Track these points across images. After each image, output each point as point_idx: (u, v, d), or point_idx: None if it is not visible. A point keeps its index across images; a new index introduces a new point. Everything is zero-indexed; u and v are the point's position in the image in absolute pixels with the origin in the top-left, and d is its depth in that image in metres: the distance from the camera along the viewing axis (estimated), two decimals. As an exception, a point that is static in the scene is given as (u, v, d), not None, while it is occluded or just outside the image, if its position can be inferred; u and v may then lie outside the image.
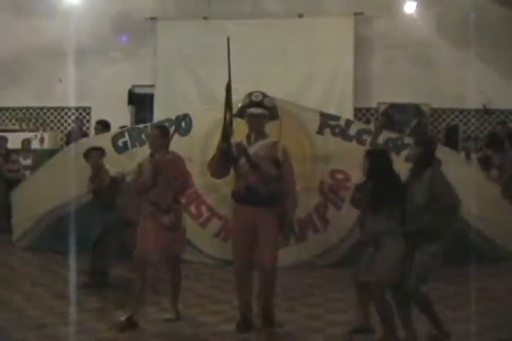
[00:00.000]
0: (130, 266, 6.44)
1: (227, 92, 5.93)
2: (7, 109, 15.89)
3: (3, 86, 15.36)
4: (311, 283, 8.20)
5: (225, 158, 5.88)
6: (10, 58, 15.26)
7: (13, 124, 15.67)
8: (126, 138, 9.64)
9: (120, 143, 9.57)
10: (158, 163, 6.14)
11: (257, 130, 6.00)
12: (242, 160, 5.87)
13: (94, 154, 7.96)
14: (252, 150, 5.92)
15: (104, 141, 9.34)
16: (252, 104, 5.95)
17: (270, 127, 6.17)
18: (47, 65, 15.28)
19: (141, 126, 10.10)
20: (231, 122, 5.91)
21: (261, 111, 5.92)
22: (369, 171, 5.73)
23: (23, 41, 15.12)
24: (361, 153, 8.84)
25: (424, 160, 5.61)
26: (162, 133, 6.34)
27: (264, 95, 5.99)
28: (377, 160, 5.78)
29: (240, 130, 6.25)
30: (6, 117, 15.96)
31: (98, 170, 7.96)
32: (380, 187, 5.57)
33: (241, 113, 6.04)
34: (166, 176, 6.09)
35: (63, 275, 8.10)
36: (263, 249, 5.83)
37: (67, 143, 13.22)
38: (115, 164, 8.26)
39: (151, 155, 6.27)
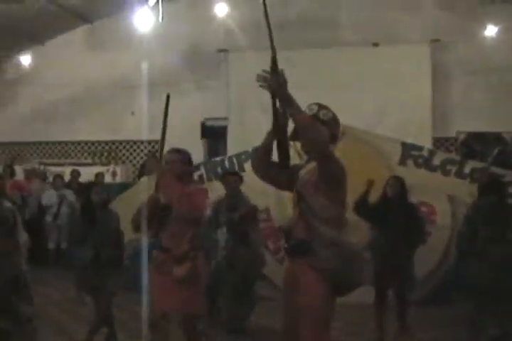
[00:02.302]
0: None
1: (272, 63, 4.02)
2: (79, 142, 16.08)
3: (76, 119, 15.55)
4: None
5: (271, 147, 4.28)
6: (82, 91, 15.50)
7: (85, 158, 15.78)
8: (202, 171, 9.43)
9: (196, 176, 9.36)
10: (165, 197, 4.91)
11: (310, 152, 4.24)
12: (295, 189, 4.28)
13: (230, 179, 7.51)
14: (301, 174, 4.29)
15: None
16: None
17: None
18: (119, 99, 15.45)
19: (218, 158, 9.87)
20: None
21: None
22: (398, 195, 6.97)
23: (95, 74, 15.35)
24: (446, 185, 8.67)
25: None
26: (182, 158, 5.18)
27: (321, 106, 4.31)
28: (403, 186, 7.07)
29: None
30: (79, 151, 16.15)
31: (234, 196, 7.40)
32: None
33: (296, 134, 4.24)
34: (179, 213, 4.90)
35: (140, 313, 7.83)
36: (301, 326, 4.00)
37: (140, 176, 13.12)
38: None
39: None
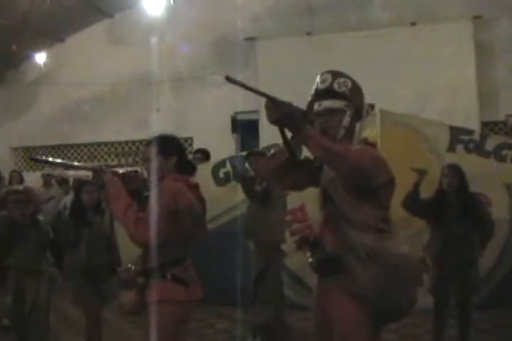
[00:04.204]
0: None
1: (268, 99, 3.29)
2: (105, 143, 15.64)
3: (101, 119, 15.08)
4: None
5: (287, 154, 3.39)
6: (105, 89, 15.02)
7: (112, 160, 15.29)
8: (228, 168, 8.67)
9: (221, 173, 8.61)
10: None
11: (329, 135, 3.31)
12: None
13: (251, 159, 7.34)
14: (326, 167, 3.37)
15: (204, 171, 8.39)
16: (317, 94, 3.45)
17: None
18: (143, 95, 14.78)
19: (244, 153, 9.11)
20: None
21: (329, 104, 3.37)
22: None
23: (118, 70, 14.79)
24: (502, 172, 7.77)
25: None
26: (159, 150, 3.82)
27: (336, 74, 3.43)
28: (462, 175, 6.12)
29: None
30: (105, 152, 15.70)
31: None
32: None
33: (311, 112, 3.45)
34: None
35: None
36: None
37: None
38: (215, 198, 7.22)
39: None
